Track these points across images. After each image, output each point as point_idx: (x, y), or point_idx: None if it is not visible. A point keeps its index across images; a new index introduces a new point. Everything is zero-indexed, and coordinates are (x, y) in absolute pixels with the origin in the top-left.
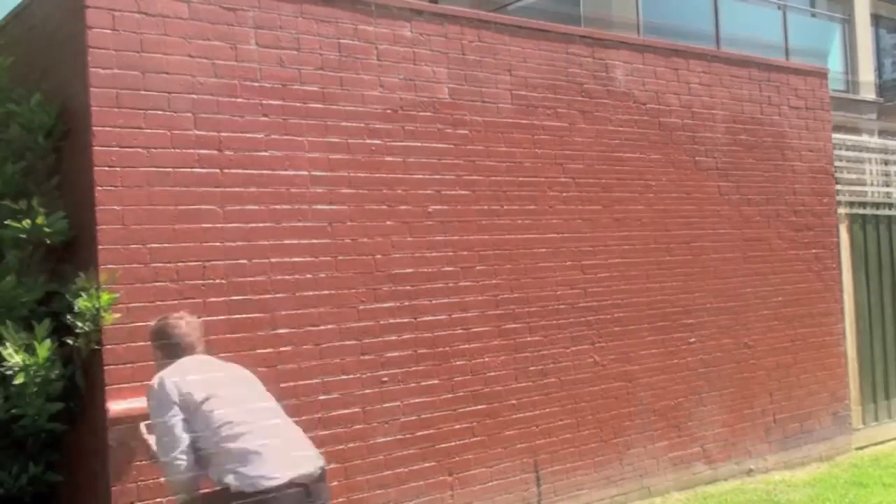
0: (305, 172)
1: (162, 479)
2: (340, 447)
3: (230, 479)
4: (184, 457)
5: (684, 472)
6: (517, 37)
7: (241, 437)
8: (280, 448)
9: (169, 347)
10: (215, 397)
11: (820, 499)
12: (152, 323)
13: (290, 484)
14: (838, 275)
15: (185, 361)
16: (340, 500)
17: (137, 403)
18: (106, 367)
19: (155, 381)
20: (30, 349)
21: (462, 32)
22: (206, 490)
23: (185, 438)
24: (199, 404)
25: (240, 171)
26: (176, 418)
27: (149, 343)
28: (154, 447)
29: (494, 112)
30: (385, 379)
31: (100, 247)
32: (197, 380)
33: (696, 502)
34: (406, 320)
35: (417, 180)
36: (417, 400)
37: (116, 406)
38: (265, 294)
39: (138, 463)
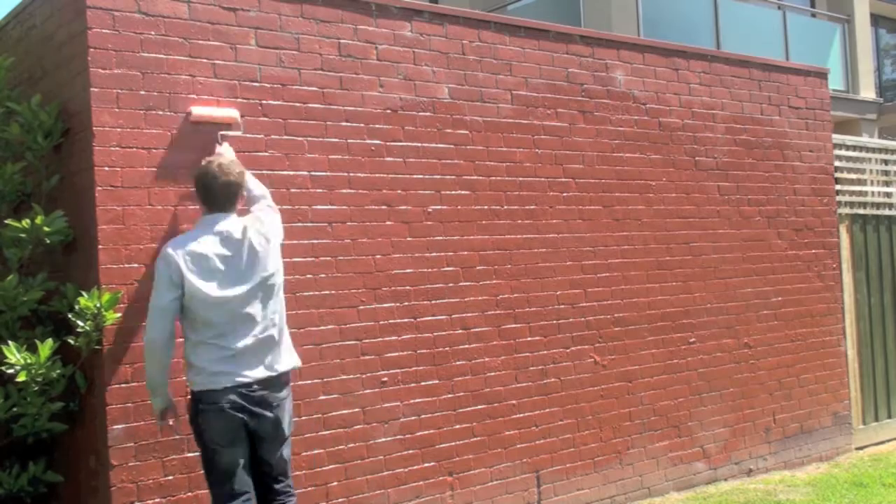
0: (305, 172)
1: (161, 479)
2: (340, 447)
3: None
4: None
5: (684, 472)
6: (517, 37)
7: None
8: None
9: (204, 197)
10: None
11: (820, 499)
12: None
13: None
14: (838, 275)
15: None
16: (340, 500)
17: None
18: (106, 367)
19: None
20: (31, 348)
21: (462, 32)
22: None
23: None
24: None
25: None
26: None
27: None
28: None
29: (494, 112)
30: (385, 379)
31: (100, 247)
32: None
33: (696, 502)
34: (406, 320)
35: (417, 180)
36: (417, 400)
37: (198, 110)
38: None
39: (138, 463)
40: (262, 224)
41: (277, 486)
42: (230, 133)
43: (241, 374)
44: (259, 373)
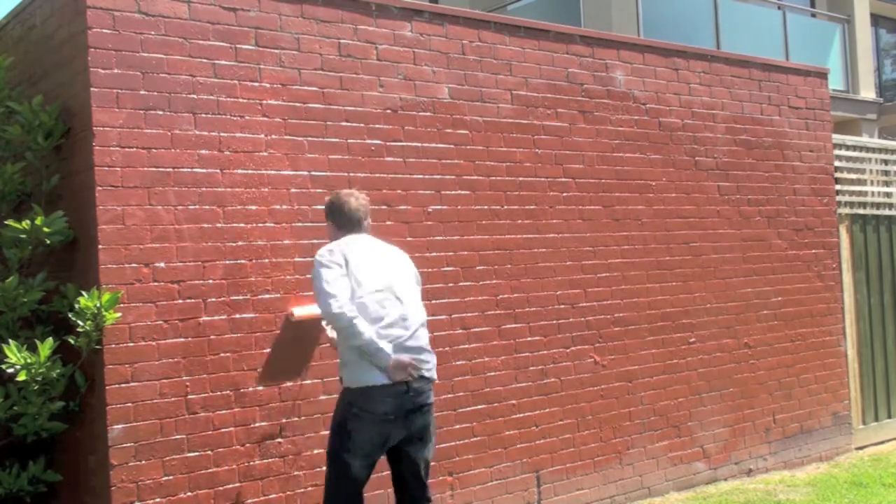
0: (305, 172)
1: (162, 479)
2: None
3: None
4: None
5: (684, 472)
6: (517, 37)
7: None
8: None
9: (340, 220)
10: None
11: (820, 499)
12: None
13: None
14: (838, 275)
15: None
16: None
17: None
18: (106, 367)
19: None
20: (31, 348)
21: (462, 32)
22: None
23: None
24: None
25: (240, 171)
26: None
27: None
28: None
29: (494, 112)
30: None
31: (100, 247)
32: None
33: (696, 502)
34: None
35: (417, 180)
36: None
37: (300, 311)
38: (265, 294)
39: (138, 463)
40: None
41: None
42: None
43: None
44: None
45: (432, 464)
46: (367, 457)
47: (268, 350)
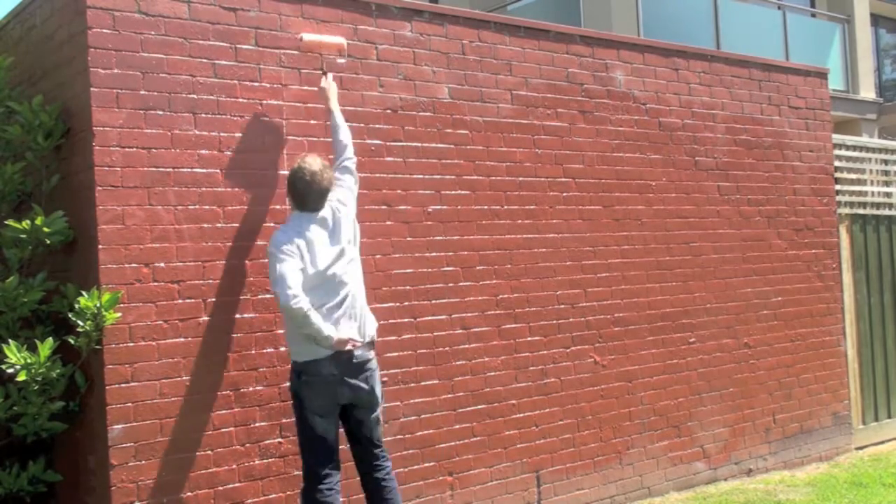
0: None
1: (162, 479)
2: (341, 447)
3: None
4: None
5: (684, 472)
6: (517, 37)
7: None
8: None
9: (293, 198)
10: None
11: (820, 499)
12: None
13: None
14: (838, 275)
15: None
16: (340, 499)
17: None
18: (106, 367)
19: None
20: (31, 348)
21: (462, 32)
22: None
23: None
24: None
25: (240, 171)
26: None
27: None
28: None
29: (494, 112)
30: (385, 379)
31: (100, 247)
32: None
33: (696, 502)
34: (406, 320)
35: (417, 180)
36: (417, 400)
37: (309, 37)
38: (265, 294)
39: (138, 463)
40: (340, 193)
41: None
42: (336, 60)
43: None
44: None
45: (432, 464)
46: (324, 416)
47: (269, 350)
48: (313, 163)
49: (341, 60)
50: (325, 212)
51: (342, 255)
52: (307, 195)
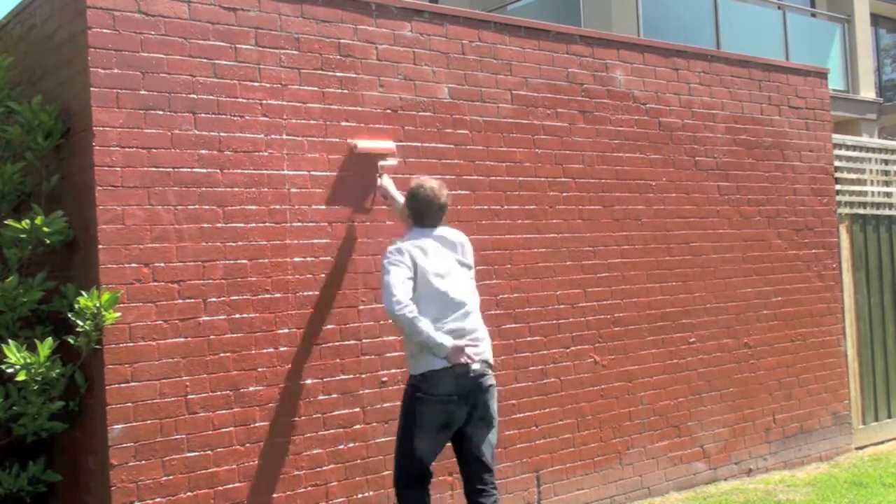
0: (305, 172)
1: (162, 479)
2: (340, 447)
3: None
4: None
5: (684, 472)
6: (517, 37)
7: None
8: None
9: (415, 213)
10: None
11: (820, 499)
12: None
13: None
14: (838, 275)
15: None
16: (340, 499)
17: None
18: (106, 367)
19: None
20: (31, 348)
21: (462, 32)
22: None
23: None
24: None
25: (240, 171)
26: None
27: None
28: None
29: (494, 112)
30: (385, 379)
31: (100, 247)
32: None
33: (696, 502)
34: None
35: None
36: None
37: (363, 143)
38: (265, 294)
39: (138, 463)
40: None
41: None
42: (387, 163)
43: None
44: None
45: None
46: (432, 439)
47: (269, 350)
48: (431, 180)
49: (393, 161)
50: (444, 231)
51: (459, 272)
52: (428, 209)
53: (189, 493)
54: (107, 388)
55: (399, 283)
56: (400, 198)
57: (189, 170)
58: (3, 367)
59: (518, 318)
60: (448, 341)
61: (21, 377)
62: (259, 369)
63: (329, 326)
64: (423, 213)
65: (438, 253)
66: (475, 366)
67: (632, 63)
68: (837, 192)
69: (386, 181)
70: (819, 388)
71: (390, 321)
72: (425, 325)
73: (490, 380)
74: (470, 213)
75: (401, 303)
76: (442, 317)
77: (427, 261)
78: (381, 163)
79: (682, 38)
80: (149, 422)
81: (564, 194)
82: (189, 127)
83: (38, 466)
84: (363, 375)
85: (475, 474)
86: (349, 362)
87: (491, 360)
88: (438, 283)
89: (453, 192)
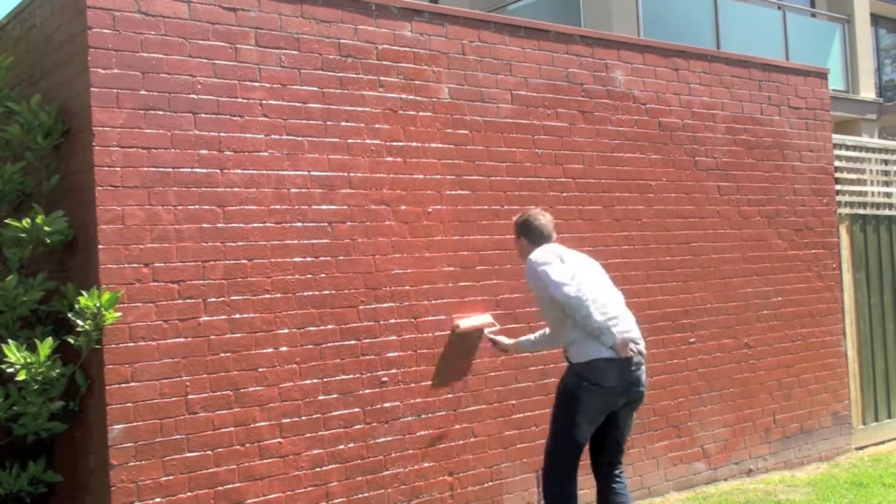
0: (305, 172)
1: (162, 479)
2: (340, 447)
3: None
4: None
5: (684, 472)
6: (517, 37)
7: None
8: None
9: (532, 236)
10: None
11: (820, 499)
12: (516, 217)
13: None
14: (838, 275)
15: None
16: (340, 499)
17: (480, 320)
18: (106, 367)
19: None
20: (31, 347)
21: (462, 32)
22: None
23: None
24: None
25: (240, 171)
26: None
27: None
28: (504, 343)
29: (494, 112)
30: (385, 379)
31: (100, 247)
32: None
33: (696, 502)
34: (406, 320)
35: (417, 180)
36: (417, 400)
37: (465, 322)
38: (265, 294)
39: (138, 463)
40: None
41: None
42: (491, 330)
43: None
44: None
45: (432, 464)
46: (591, 423)
47: (269, 350)
48: (539, 215)
49: (494, 328)
50: (569, 251)
51: (604, 278)
52: (545, 227)
53: (189, 493)
54: (107, 388)
55: (562, 274)
56: (510, 341)
57: (189, 170)
58: (3, 367)
59: (518, 318)
60: (614, 331)
61: (21, 377)
62: (259, 369)
63: (329, 326)
64: (543, 231)
65: (578, 258)
66: (636, 358)
67: (632, 63)
68: (837, 193)
69: (505, 342)
70: (819, 388)
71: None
72: (595, 311)
73: (644, 373)
74: (470, 213)
75: (569, 286)
76: (603, 309)
77: (573, 265)
78: (487, 331)
79: (682, 38)
80: (149, 422)
81: (564, 194)
82: (189, 127)
83: (38, 467)
84: (363, 375)
85: (609, 455)
86: (349, 362)
87: (645, 355)
88: (589, 278)
89: (453, 193)
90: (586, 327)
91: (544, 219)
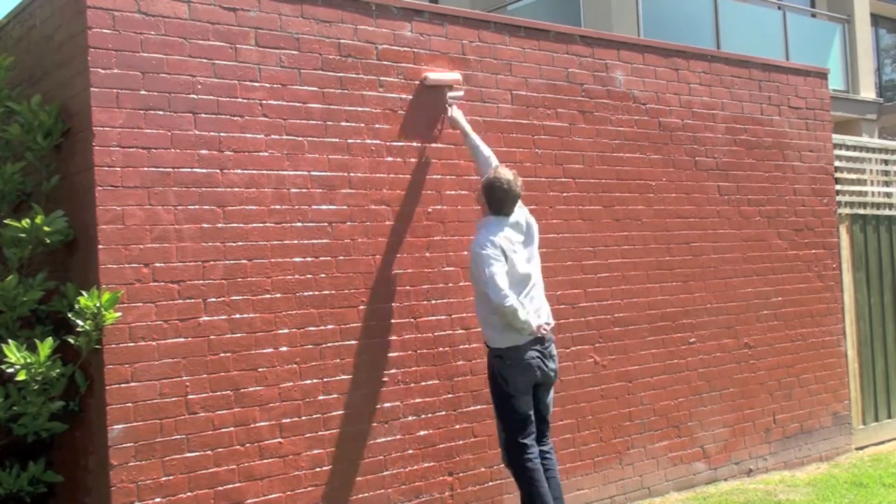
0: (305, 172)
1: (162, 479)
2: (340, 447)
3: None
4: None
5: (684, 472)
6: (517, 37)
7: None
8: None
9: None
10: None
11: (820, 499)
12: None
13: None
14: (838, 275)
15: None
16: (340, 500)
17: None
18: (106, 367)
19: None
20: (31, 347)
21: (462, 32)
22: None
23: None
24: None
25: (240, 171)
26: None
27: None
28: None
29: (494, 112)
30: (385, 379)
31: (100, 247)
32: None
33: (696, 502)
34: (406, 320)
35: (418, 180)
36: (417, 400)
37: (433, 76)
38: (265, 294)
39: (138, 463)
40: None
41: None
42: (455, 94)
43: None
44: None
45: (432, 464)
46: (524, 394)
47: (269, 350)
48: (507, 172)
49: (460, 93)
50: (518, 216)
51: (533, 255)
52: (504, 201)
53: (189, 493)
54: (107, 388)
55: (501, 275)
56: (469, 129)
57: (189, 170)
58: (3, 367)
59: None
60: (533, 321)
61: (21, 377)
62: (259, 369)
63: (329, 326)
64: (500, 204)
65: (516, 241)
66: (548, 335)
67: (632, 63)
68: (837, 193)
69: (455, 112)
70: (819, 388)
71: (491, 306)
72: (523, 312)
73: (554, 349)
74: (470, 214)
75: (507, 296)
76: (518, 293)
77: (509, 249)
78: (449, 94)
79: (682, 38)
80: (149, 422)
81: (564, 194)
82: (189, 127)
83: (39, 467)
84: (363, 375)
85: (539, 429)
86: (349, 362)
87: (553, 329)
88: (518, 268)
89: (453, 193)
90: (513, 323)
91: (508, 186)
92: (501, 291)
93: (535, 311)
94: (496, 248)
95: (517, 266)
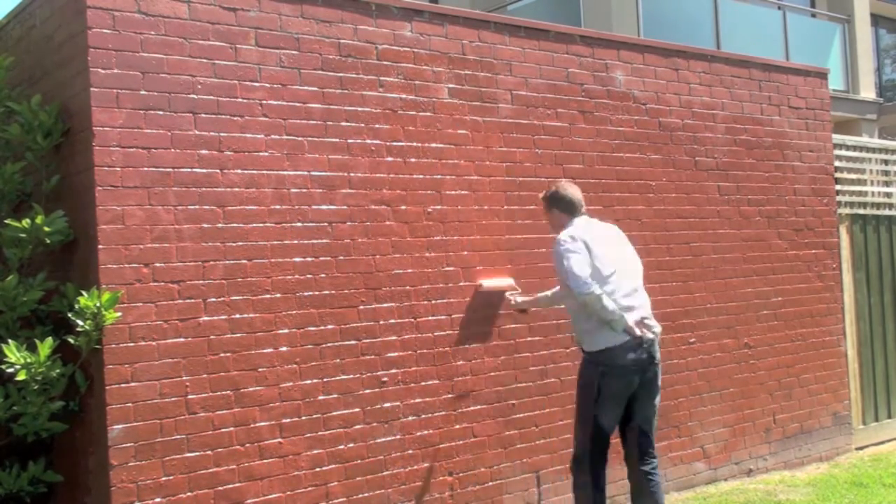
0: (305, 172)
1: (162, 479)
2: (340, 447)
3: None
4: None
5: (684, 472)
6: (517, 37)
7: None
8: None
9: (564, 205)
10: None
11: (820, 499)
12: (544, 193)
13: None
14: (838, 275)
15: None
16: (340, 499)
17: (503, 282)
18: (106, 367)
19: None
20: (31, 347)
21: (462, 32)
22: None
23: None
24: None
25: (240, 171)
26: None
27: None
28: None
29: (494, 112)
30: (385, 379)
31: (100, 247)
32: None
33: (696, 502)
34: (406, 320)
35: (417, 180)
36: (417, 400)
37: (487, 283)
38: (265, 294)
39: (138, 463)
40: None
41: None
42: (513, 294)
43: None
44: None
45: (436, 464)
46: (615, 407)
47: (269, 350)
48: (567, 185)
49: (516, 290)
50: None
51: (625, 251)
52: (573, 200)
53: (189, 493)
54: (107, 388)
55: (581, 266)
56: (538, 297)
57: (189, 170)
58: (3, 367)
59: (518, 318)
60: (626, 317)
61: (21, 377)
62: (259, 369)
63: (329, 326)
64: (572, 204)
65: (607, 236)
66: (647, 341)
67: (632, 63)
68: (837, 193)
69: (518, 298)
70: (819, 388)
71: (578, 301)
72: (609, 302)
73: (658, 354)
74: (470, 213)
75: (588, 283)
76: (618, 291)
77: (600, 244)
78: (508, 294)
79: (682, 38)
80: (149, 422)
81: None
82: (189, 127)
83: (39, 467)
84: (363, 375)
85: (639, 446)
86: (349, 362)
87: (659, 334)
88: (611, 259)
89: (453, 193)
90: (602, 315)
91: (573, 189)
92: (581, 279)
93: (639, 312)
94: (576, 242)
95: (606, 259)
